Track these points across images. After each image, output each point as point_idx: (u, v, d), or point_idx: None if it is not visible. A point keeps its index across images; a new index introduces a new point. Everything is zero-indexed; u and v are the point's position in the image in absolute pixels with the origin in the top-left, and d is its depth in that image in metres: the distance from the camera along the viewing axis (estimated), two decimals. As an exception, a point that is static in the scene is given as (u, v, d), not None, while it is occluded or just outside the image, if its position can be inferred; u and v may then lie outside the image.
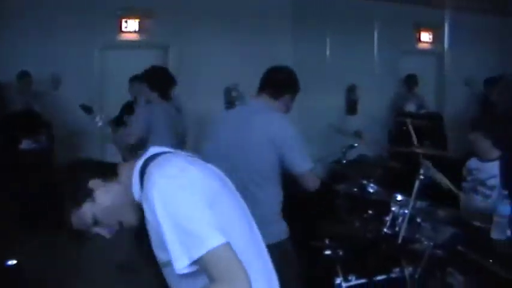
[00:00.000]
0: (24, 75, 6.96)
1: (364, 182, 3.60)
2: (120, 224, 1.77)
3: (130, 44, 8.13)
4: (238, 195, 1.83)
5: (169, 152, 1.77)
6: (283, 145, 2.90)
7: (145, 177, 1.65)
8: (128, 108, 6.27)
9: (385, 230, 3.27)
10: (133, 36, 8.05)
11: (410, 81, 9.53)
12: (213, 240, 1.51)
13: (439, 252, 3.04)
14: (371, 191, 3.54)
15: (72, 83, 7.45)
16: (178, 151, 1.83)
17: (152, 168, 1.65)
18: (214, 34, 8.29)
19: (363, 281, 3.14)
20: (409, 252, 3.19)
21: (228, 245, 1.52)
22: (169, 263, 1.59)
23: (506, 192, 2.80)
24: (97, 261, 5.11)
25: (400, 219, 3.21)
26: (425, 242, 3.09)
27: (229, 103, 8.25)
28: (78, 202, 1.70)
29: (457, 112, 9.33)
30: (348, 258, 3.26)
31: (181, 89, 7.61)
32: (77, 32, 7.47)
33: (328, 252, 3.30)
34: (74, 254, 5.32)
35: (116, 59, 8.06)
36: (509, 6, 9.34)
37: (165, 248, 1.56)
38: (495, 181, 3.56)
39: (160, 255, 1.67)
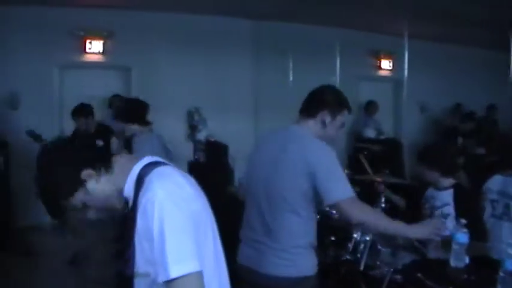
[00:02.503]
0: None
1: (326, 208, 3.64)
2: (107, 210, 1.87)
3: (92, 65, 8.06)
4: (211, 214, 1.85)
5: (164, 164, 1.85)
6: (317, 172, 2.71)
7: (145, 183, 1.72)
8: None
9: (347, 256, 3.31)
10: (97, 57, 7.99)
11: (371, 107, 9.71)
12: (191, 265, 1.60)
13: (398, 278, 3.09)
14: (333, 217, 3.58)
15: (31, 103, 7.34)
16: (171, 165, 1.88)
17: (153, 177, 1.73)
18: (176, 57, 8.31)
19: (324, 306, 3.16)
20: (369, 277, 3.24)
21: (201, 274, 1.62)
22: (146, 275, 1.70)
23: (464, 221, 2.87)
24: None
25: (362, 245, 3.26)
26: (386, 268, 3.13)
27: (192, 126, 8.26)
28: (70, 192, 1.77)
29: (414, 138, 9.54)
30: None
31: (144, 111, 7.60)
32: (37, 50, 7.38)
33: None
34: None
35: (77, 79, 7.99)
36: (466, 35, 9.67)
37: (147, 257, 1.66)
38: (448, 209, 3.64)
39: (140, 264, 1.72)
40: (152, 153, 3.33)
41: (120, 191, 1.82)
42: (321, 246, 3.59)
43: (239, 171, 7.75)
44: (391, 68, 10.65)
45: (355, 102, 10.13)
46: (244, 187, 3.06)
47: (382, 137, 9.40)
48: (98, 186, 1.79)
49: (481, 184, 4.13)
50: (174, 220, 1.63)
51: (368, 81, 10.51)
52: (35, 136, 5.48)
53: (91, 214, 1.85)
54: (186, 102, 8.36)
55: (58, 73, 7.84)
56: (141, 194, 1.72)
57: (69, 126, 6.83)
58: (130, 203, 1.79)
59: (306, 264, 2.81)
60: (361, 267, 3.18)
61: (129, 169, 1.81)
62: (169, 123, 7.95)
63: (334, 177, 2.73)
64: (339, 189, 2.70)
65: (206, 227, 1.77)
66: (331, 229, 3.56)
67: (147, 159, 1.85)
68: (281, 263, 2.74)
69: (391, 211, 3.44)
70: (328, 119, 3.02)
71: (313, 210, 2.83)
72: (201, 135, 8.08)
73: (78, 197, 1.78)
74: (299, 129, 2.98)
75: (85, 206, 1.81)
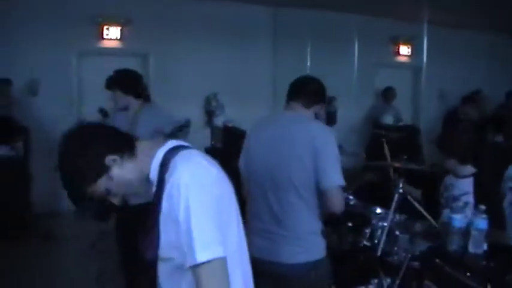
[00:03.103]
0: (4, 83, 6.87)
1: (344, 194, 3.63)
2: (131, 195, 1.87)
3: (110, 51, 8.09)
4: (235, 199, 1.84)
5: (189, 147, 1.84)
6: (319, 154, 2.75)
7: (170, 167, 1.71)
8: None
9: (364, 242, 3.31)
10: (114, 44, 8.02)
11: (389, 94, 9.65)
12: (218, 251, 1.60)
13: (416, 264, 3.09)
14: (350, 203, 3.58)
15: (51, 89, 7.40)
16: (195, 148, 1.87)
17: (178, 161, 1.72)
18: (195, 44, 8.31)
19: (341, 292, 3.17)
20: (387, 264, 3.23)
21: (225, 260, 1.63)
22: (170, 259, 1.69)
23: (483, 207, 2.85)
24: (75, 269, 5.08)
25: (379, 231, 3.25)
26: (403, 254, 3.13)
27: (209, 112, 8.28)
28: (93, 178, 1.74)
29: (433, 125, 9.47)
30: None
31: (161, 97, 7.62)
32: (55, 38, 7.42)
33: (307, 263, 3.31)
34: (50, 263, 5.31)
35: (95, 65, 8.02)
36: (485, 22, 9.54)
37: (171, 241, 1.65)
38: (467, 198, 3.61)
39: (164, 249, 1.71)
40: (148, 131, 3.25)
41: (145, 176, 1.80)
42: (338, 233, 3.60)
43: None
44: (409, 55, 10.56)
45: (372, 88, 10.10)
46: (245, 178, 3.04)
47: (400, 124, 9.34)
48: (121, 171, 1.76)
49: (500, 172, 4.10)
50: (200, 204, 1.62)
51: (386, 68, 10.43)
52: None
53: (115, 200, 1.83)
54: (204, 88, 8.37)
55: (76, 60, 7.88)
56: (166, 177, 1.71)
57: (87, 112, 6.89)
58: (154, 187, 1.77)
59: (317, 248, 2.88)
60: (379, 254, 3.18)
61: (153, 153, 1.79)
62: (187, 109, 7.95)
63: (335, 163, 2.79)
64: (337, 176, 2.77)
65: (230, 212, 1.76)
66: (349, 215, 3.55)
67: (171, 143, 1.83)
68: (294, 250, 2.78)
69: (407, 201, 3.41)
70: (319, 112, 3.10)
71: (316, 195, 2.84)
72: (219, 121, 8.09)
73: (102, 184, 1.75)
74: (299, 115, 2.99)
75: (108, 193, 1.79)
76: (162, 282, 1.78)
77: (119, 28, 7.95)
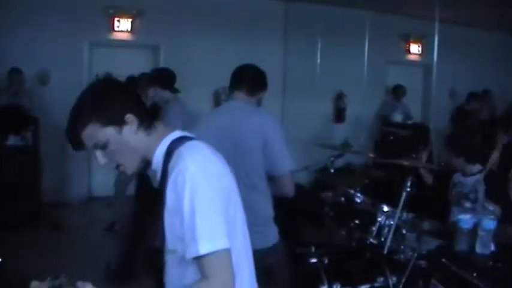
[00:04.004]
0: (15, 72, 6.90)
1: (351, 191, 3.64)
2: (119, 165, 1.79)
3: (120, 43, 8.11)
4: (238, 192, 1.83)
5: (194, 138, 1.82)
6: (268, 143, 2.85)
7: (175, 156, 1.69)
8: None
9: (370, 239, 3.31)
10: (125, 36, 8.03)
11: (398, 91, 9.62)
12: (221, 242, 1.58)
13: (422, 263, 3.09)
14: (358, 200, 3.58)
15: (61, 79, 7.42)
16: (201, 140, 1.84)
17: (184, 150, 1.70)
18: (205, 36, 8.31)
19: (347, 289, 3.17)
20: (394, 262, 3.23)
21: (229, 251, 1.61)
22: (174, 251, 1.68)
23: (491, 208, 2.85)
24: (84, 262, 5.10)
25: (386, 229, 3.25)
26: (410, 253, 3.13)
27: (218, 106, 8.27)
28: (108, 119, 1.69)
29: (443, 124, 9.42)
30: (333, 266, 3.29)
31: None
32: (67, 28, 7.44)
33: (313, 260, 3.31)
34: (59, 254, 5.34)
35: (106, 56, 8.04)
36: (497, 21, 9.47)
37: (176, 232, 1.64)
38: (476, 195, 3.61)
39: (169, 240, 1.70)
40: (179, 122, 3.24)
41: (147, 157, 1.78)
42: (346, 230, 3.61)
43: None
44: (420, 53, 10.53)
45: (382, 86, 10.06)
46: None
47: (409, 122, 9.30)
48: (132, 136, 1.73)
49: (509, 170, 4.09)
50: (206, 195, 1.60)
51: (396, 65, 10.40)
52: None
53: (101, 159, 1.75)
54: (214, 82, 8.36)
55: (87, 51, 7.89)
56: (170, 166, 1.68)
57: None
58: (159, 175, 1.74)
59: (272, 233, 2.99)
60: (385, 251, 3.18)
61: (161, 139, 1.77)
62: (196, 103, 7.96)
63: (284, 149, 2.88)
64: (288, 161, 2.88)
65: (236, 205, 1.75)
66: (356, 213, 3.55)
67: (178, 133, 1.81)
68: (251, 236, 2.80)
69: (418, 195, 3.40)
70: (260, 99, 3.21)
71: (266, 183, 2.93)
72: (228, 115, 8.10)
73: (107, 133, 1.70)
74: (244, 105, 3.05)
75: (104, 146, 1.71)
76: (168, 273, 1.78)
77: (129, 20, 7.95)
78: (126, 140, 1.72)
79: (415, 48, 10.52)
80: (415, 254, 3.06)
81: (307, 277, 3.29)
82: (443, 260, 2.89)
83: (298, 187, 3.17)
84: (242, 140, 2.86)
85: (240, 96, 3.08)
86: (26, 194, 6.42)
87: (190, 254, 1.58)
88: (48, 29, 7.32)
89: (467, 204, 3.60)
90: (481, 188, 3.60)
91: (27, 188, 6.46)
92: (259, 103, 3.19)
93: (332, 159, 4.04)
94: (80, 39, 7.66)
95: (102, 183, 7.23)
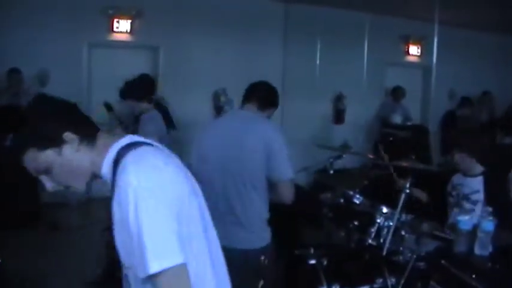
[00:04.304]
0: (14, 72, 6.90)
1: (350, 192, 3.63)
2: (67, 186, 1.71)
3: (120, 44, 8.11)
4: (200, 194, 1.75)
5: (146, 144, 1.69)
6: (272, 151, 2.97)
7: (120, 167, 1.58)
8: None
9: (369, 241, 3.31)
10: (125, 37, 8.03)
11: (398, 93, 9.63)
12: (172, 259, 1.49)
13: (421, 264, 3.08)
14: (357, 202, 3.57)
15: (60, 80, 7.41)
16: (156, 144, 1.74)
17: (128, 160, 1.58)
18: (205, 37, 8.31)
19: (346, 290, 3.17)
20: (393, 263, 3.23)
21: (184, 266, 1.52)
22: (130, 267, 1.60)
23: (490, 209, 2.85)
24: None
25: (385, 231, 3.25)
26: (409, 254, 3.13)
27: (218, 107, 8.29)
28: (43, 145, 1.61)
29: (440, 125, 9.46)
30: (331, 267, 3.29)
31: (170, 90, 7.64)
32: (66, 29, 7.43)
33: (312, 261, 3.31)
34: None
35: (105, 57, 8.04)
36: (496, 23, 9.48)
37: (128, 249, 1.55)
38: (478, 196, 3.61)
39: (124, 256, 1.62)
40: (158, 131, 3.24)
41: (95, 172, 1.70)
42: (345, 231, 3.60)
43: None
44: (419, 54, 10.54)
45: (382, 87, 10.07)
46: (196, 170, 3.08)
47: (408, 123, 9.32)
48: (73, 154, 1.63)
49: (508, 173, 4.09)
50: (151, 210, 1.49)
51: (396, 67, 10.42)
52: (109, 107, 5.48)
53: (46, 183, 1.69)
54: (213, 83, 8.37)
55: (87, 51, 7.89)
56: (117, 178, 1.58)
57: (97, 104, 6.90)
58: (110, 186, 1.65)
59: (266, 234, 3.12)
60: (384, 253, 3.17)
61: (108, 149, 1.67)
62: (195, 104, 7.98)
63: (286, 158, 3.01)
64: (288, 170, 3.02)
65: (191, 215, 1.63)
66: (355, 214, 3.55)
67: (126, 139, 1.69)
68: (248, 236, 2.99)
69: (414, 204, 3.41)
70: (271, 114, 3.41)
71: (267, 187, 3.06)
72: (227, 117, 8.09)
73: (47, 156, 1.62)
74: (253, 114, 3.22)
75: (47, 171, 1.65)
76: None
77: (129, 21, 7.95)
78: (69, 160, 1.64)
79: (414, 50, 10.55)
80: (414, 256, 3.06)
81: (306, 278, 3.29)
82: (442, 261, 2.89)
83: (297, 188, 3.18)
84: (245, 145, 2.98)
85: (251, 108, 3.26)
86: (26, 194, 6.41)
87: (141, 273, 1.50)
88: (47, 29, 7.32)
89: (468, 206, 3.60)
90: (483, 189, 3.61)
91: (26, 188, 6.45)
92: (268, 118, 3.36)
93: (331, 160, 4.04)
94: (79, 40, 7.66)
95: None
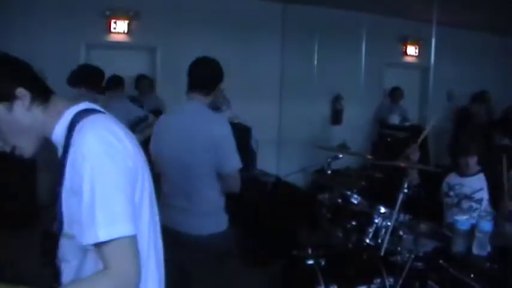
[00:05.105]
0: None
1: (348, 192, 3.63)
2: (13, 147, 1.63)
3: (117, 45, 8.09)
4: (149, 176, 1.68)
5: (101, 112, 1.64)
6: (219, 146, 3.04)
7: (76, 130, 1.52)
8: None
9: (367, 241, 3.31)
10: (122, 37, 8.02)
11: (396, 94, 9.62)
12: (125, 228, 1.43)
13: (419, 265, 3.08)
14: (355, 202, 3.57)
15: (58, 81, 7.38)
16: (112, 116, 1.67)
17: (86, 124, 1.52)
18: (202, 38, 8.29)
19: (344, 291, 3.16)
20: (391, 263, 3.23)
21: (134, 238, 1.46)
22: (71, 235, 1.51)
23: (489, 209, 2.85)
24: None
25: (383, 231, 3.25)
26: (407, 255, 3.12)
27: (215, 107, 8.25)
28: None
29: (440, 126, 9.43)
30: (329, 267, 3.29)
31: (168, 91, 7.63)
32: (63, 30, 7.42)
33: (310, 261, 3.32)
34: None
35: (103, 58, 8.02)
36: (494, 23, 9.49)
37: (74, 216, 1.47)
38: (482, 194, 3.60)
39: (66, 222, 1.53)
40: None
41: (45, 134, 1.62)
42: (343, 231, 3.60)
43: (262, 154, 7.76)
44: (417, 55, 10.54)
45: (380, 88, 10.07)
46: (154, 160, 3.19)
47: (406, 124, 9.31)
48: (24, 113, 1.55)
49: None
50: (108, 175, 1.43)
51: (394, 68, 10.41)
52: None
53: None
54: (211, 83, 8.35)
55: (85, 52, 7.87)
56: (71, 142, 1.51)
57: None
58: (61, 150, 1.57)
59: (223, 220, 3.20)
60: (382, 253, 3.17)
61: (62, 113, 1.59)
62: (193, 105, 7.95)
63: (233, 149, 3.10)
64: (236, 161, 3.10)
65: (143, 188, 1.59)
66: (353, 214, 3.55)
67: (82, 105, 1.62)
68: (204, 223, 3.08)
69: (413, 197, 3.40)
70: (219, 92, 3.48)
71: (217, 177, 3.11)
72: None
73: None
74: (199, 106, 3.23)
75: None
76: (67, 261, 1.62)
77: (126, 22, 7.93)
78: (19, 117, 1.55)
79: (412, 51, 10.53)
80: (412, 256, 3.06)
81: (304, 278, 3.29)
82: (440, 261, 2.89)
83: (295, 189, 3.18)
84: (194, 139, 3.06)
85: (197, 97, 3.26)
86: (25, 194, 6.41)
87: (88, 239, 1.42)
88: (45, 30, 7.31)
89: (472, 205, 3.59)
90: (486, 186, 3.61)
91: (26, 188, 6.45)
92: (216, 95, 3.40)
93: (329, 160, 4.04)
94: (76, 41, 7.64)
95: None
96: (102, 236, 1.39)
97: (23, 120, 1.56)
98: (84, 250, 1.51)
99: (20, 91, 1.53)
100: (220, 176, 3.09)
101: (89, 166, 1.42)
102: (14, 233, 5.63)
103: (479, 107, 8.31)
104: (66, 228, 1.53)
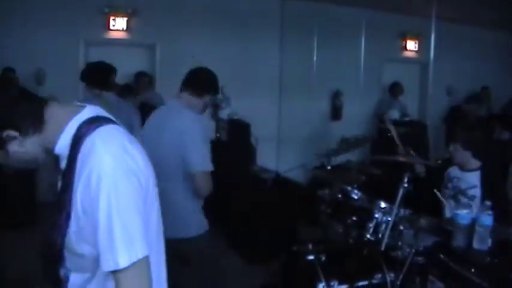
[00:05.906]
0: (8, 72, 6.87)
1: (348, 188, 3.63)
2: (27, 163, 1.63)
3: (116, 42, 8.08)
4: (155, 184, 1.68)
5: (106, 120, 1.58)
6: (186, 144, 3.04)
7: (87, 147, 1.47)
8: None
9: (368, 236, 3.31)
10: (121, 34, 8.00)
11: (395, 89, 9.61)
12: (141, 249, 1.44)
13: (420, 259, 3.08)
14: (355, 197, 3.57)
15: (57, 78, 7.39)
16: (116, 122, 1.63)
17: (96, 140, 1.48)
18: (201, 35, 8.28)
19: (344, 286, 3.16)
20: (391, 258, 3.23)
21: (147, 258, 1.47)
22: (80, 255, 1.51)
23: (489, 203, 2.84)
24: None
25: (383, 226, 3.25)
26: (407, 249, 3.12)
27: (214, 104, 8.26)
28: None
29: (439, 121, 9.44)
30: (330, 263, 3.28)
31: (167, 88, 7.61)
32: (62, 27, 7.42)
33: (310, 257, 3.31)
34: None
35: (102, 56, 8.00)
36: (495, 19, 9.47)
37: (84, 236, 1.46)
38: (475, 191, 3.61)
39: (74, 241, 1.50)
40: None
41: (49, 149, 1.56)
42: (343, 227, 3.60)
43: (261, 150, 7.75)
44: (416, 50, 10.52)
45: (379, 83, 10.06)
46: None
47: (406, 119, 9.30)
48: (20, 148, 1.52)
49: (505, 169, 4.09)
50: (124, 198, 1.42)
51: (393, 63, 10.39)
52: None
53: (8, 167, 1.61)
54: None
55: (83, 50, 7.86)
56: (79, 156, 1.48)
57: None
58: (65, 162, 1.52)
59: (199, 223, 3.23)
60: (382, 248, 3.17)
61: (64, 124, 1.53)
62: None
63: (200, 150, 3.08)
64: (203, 162, 3.07)
65: (152, 202, 1.59)
66: (353, 209, 3.55)
67: (86, 113, 1.56)
68: (178, 225, 3.01)
69: (413, 190, 3.40)
70: (208, 102, 3.44)
71: (185, 179, 3.12)
72: (224, 114, 8.06)
73: None
74: (178, 104, 3.27)
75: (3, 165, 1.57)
76: (72, 277, 1.61)
77: (125, 19, 7.92)
78: (17, 153, 1.53)
79: (411, 46, 10.51)
80: (413, 251, 3.05)
81: (304, 274, 3.28)
82: (440, 256, 2.88)
83: (295, 185, 3.18)
84: (164, 138, 3.08)
85: (185, 97, 3.30)
86: (25, 194, 6.41)
87: (108, 267, 1.42)
88: (44, 28, 7.30)
89: (464, 201, 3.60)
90: (480, 185, 3.60)
91: (26, 188, 6.45)
92: (205, 105, 3.41)
93: (329, 156, 4.04)
94: (75, 38, 7.63)
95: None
96: (123, 263, 1.40)
97: (22, 155, 1.54)
98: (96, 265, 1.50)
99: (8, 134, 1.49)
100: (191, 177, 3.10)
101: (105, 188, 1.40)
102: (14, 233, 5.62)
103: (476, 106, 8.29)
104: (74, 245, 1.51)
